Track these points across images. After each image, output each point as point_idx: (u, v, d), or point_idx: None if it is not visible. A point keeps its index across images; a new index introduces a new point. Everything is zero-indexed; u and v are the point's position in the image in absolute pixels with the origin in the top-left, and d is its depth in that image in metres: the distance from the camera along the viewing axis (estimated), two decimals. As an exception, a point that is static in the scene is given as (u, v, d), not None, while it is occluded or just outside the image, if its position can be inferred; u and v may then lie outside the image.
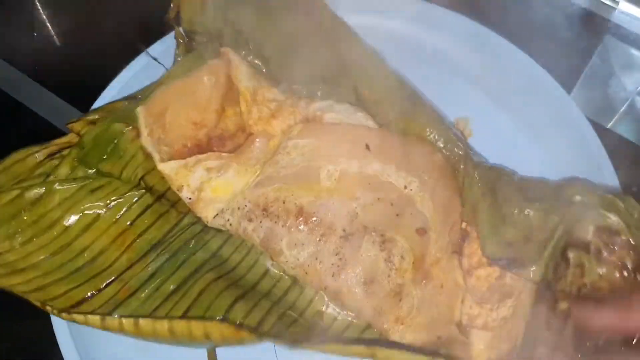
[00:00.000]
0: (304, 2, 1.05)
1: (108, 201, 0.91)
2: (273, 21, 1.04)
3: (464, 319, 0.88)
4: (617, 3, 1.09)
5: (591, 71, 1.04)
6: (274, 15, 1.03)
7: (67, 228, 0.89)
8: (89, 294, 0.85)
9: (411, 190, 0.91)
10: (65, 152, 0.94)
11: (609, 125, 1.01)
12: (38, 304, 0.83)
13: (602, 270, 0.79)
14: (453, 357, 0.84)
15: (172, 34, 1.07)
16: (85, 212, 0.90)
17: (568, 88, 1.00)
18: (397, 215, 0.89)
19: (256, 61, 1.04)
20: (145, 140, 0.94)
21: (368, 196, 0.90)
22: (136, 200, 0.92)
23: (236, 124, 1.02)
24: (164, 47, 1.07)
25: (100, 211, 0.90)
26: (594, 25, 1.11)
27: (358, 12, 1.11)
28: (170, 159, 0.95)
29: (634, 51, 1.04)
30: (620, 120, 1.01)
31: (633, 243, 0.80)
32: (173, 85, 0.97)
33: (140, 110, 0.93)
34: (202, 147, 0.99)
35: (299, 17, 1.03)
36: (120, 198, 0.92)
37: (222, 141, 1.00)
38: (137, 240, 0.90)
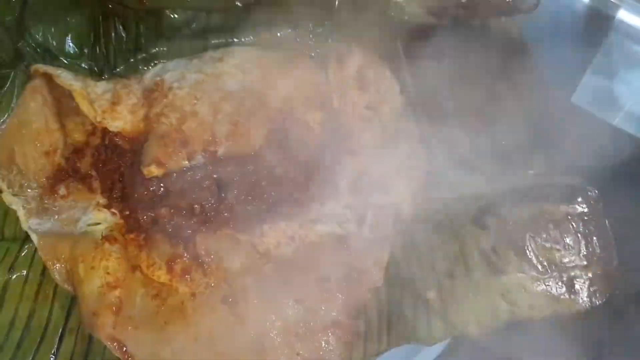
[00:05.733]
0: None
1: (7, 265, 0.87)
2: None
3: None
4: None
5: (596, 68, 1.01)
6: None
7: (-19, 309, 0.84)
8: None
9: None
10: None
11: (615, 122, 0.98)
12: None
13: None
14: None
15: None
16: (-9, 286, 0.85)
17: (573, 85, 1.00)
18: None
19: (68, 61, 1.00)
20: (8, 197, 0.90)
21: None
22: (35, 251, 0.88)
23: (83, 131, 0.99)
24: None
25: (4, 278, 0.87)
26: (599, 22, 1.04)
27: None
28: (41, 197, 0.92)
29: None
30: (627, 117, 0.98)
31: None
32: (7, 126, 0.94)
33: (-12, 165, 0.87)
34: (64, 169, 0.95)
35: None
36: (17, 257, 0.88)
37: (79, 154, 0.97)
38: (59, 286, 0.88)
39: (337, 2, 1.03)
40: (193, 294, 0.87)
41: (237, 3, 1.06)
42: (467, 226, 0.85)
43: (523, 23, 1.01)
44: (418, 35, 0.94)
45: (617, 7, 1.00)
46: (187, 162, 0.92)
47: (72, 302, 0.87)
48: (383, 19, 0.98)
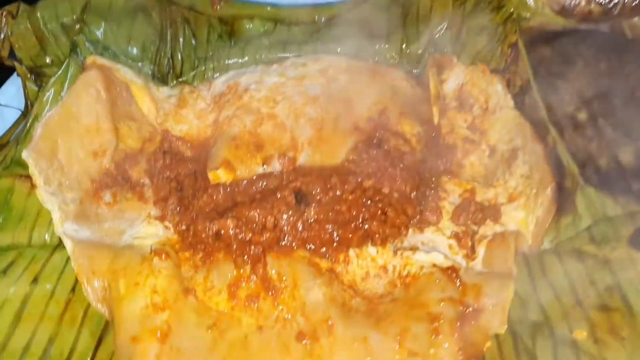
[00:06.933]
0: None
1: (31, 276, 0.69)
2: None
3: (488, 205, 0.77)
4: None
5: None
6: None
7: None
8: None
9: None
10: None
11: None
12: None
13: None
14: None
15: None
16: (6, 300, 0.67)
17: None
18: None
19: (128, 61, 0.88)
20: (43, 194, 0.74)
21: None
22: (67, 262, 0.71)
23: (138, 138, 0.85)
24: (16, 88, 0.87)
25: (24, 290, 0.68)
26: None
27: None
28: (81, 201, 0.76)
29: None
30: None
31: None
32: (53, 114, 0.79)
33: (27, 155, 0.74)
34: (112, 175, 0.81)
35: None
36: (44, 266, 0.71)
37: (132, 160, 0.82)
38: (91, 307, 0.70)
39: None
40: (260, 327, 0.68)
41: (321, 17, 0.96)
42: (620, 250, 0.66)
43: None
44: (540, 39, 0.80)
45: None
46: (261, 167, 0.76)
47: (105, 329, 0.68)
48: (496, 21, 0.85)
